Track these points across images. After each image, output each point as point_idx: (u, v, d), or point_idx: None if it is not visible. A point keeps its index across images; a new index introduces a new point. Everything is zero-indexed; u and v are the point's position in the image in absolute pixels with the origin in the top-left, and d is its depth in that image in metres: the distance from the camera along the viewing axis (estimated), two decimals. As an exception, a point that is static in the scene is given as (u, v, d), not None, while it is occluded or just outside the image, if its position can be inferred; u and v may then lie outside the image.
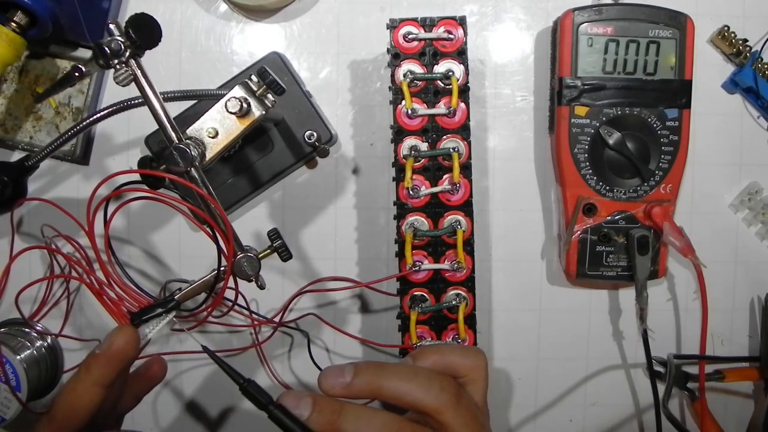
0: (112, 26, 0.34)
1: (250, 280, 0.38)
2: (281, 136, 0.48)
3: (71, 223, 0.43)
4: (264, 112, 0.38)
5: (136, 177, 0.37)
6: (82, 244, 0.48)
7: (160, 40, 0.36)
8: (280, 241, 0.39)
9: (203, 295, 0.39)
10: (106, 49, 0.34)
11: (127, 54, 0.35)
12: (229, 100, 0.37)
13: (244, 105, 0.37)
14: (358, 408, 0.33)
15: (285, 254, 0.39)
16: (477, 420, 0.34)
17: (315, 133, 0.48)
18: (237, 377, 0.34)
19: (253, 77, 0.38)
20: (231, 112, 0.37)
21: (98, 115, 0.40)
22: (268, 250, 0.39)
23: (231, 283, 0.38)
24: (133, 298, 0.36)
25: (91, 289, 0.36)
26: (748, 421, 0.53)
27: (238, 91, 0.38)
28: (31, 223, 0.51)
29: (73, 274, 0.49)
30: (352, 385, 0.33)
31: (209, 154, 0.38)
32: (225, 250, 0.36)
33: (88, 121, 0.41)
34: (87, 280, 0.38)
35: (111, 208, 0.38)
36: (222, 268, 0.37)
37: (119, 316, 0.36)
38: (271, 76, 0.37)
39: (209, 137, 0.38)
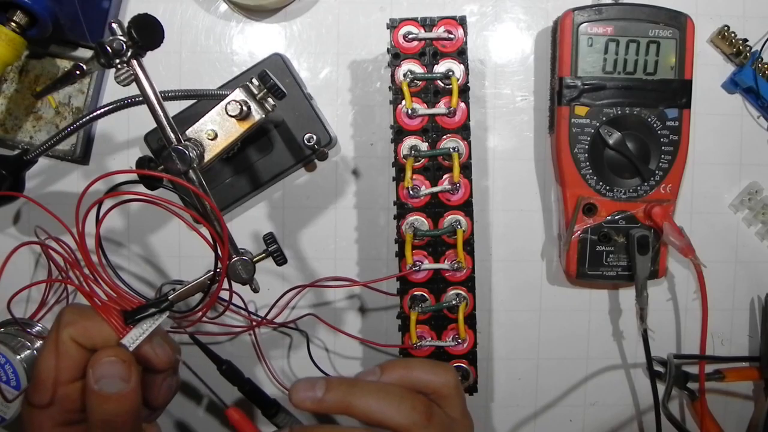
0: (114, 25, 0.34)
1: (244, 284, 0.38)
2: (281, 138, 0.48)
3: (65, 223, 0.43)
4: (264, 116, 0.38)
5: (133, 176, 0.37)
6: (74, 245, 0.48)
7: (162, 41, 0.36)
8: (275, 246, 0.39)
9: (198, 297, 0.38)
10: (108, 48, 0.34)
11: (129, 54, 0.35)
12: (229, 103, 0.37)
13: (244, 108, 0.37)
14: (369, 384, 0.34)
15: (280, 259, 0.39)
16: None
17: (314, 136, 0.47)
18: (216, 360, 0.38)
19: (254, 80, 0.38)
20: (231, 115, 0.37)
21: (99, 111, 0.40)
22: (264, 254, 0.39)
23: (225, 284, 0.38)
24: (124, 300, 0.36)
25: (81, 291, 0.36)
26: (748, 421, 0.53)
27: (238, 94, 0.37)
28: (29, 221, 0.51)
29: (64, 276, 0.48)
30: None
31: (208, 156, 0.38)
32: (220, 253, 0.36)
33: (88, 117, 0.40)
34: (76, 282, 0.37)
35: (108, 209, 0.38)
36: (216, 270, 0.37)
37: (111, 317, 0.36)
38: (272, 80, 0.37)
39: (208, 139, 0.37)
